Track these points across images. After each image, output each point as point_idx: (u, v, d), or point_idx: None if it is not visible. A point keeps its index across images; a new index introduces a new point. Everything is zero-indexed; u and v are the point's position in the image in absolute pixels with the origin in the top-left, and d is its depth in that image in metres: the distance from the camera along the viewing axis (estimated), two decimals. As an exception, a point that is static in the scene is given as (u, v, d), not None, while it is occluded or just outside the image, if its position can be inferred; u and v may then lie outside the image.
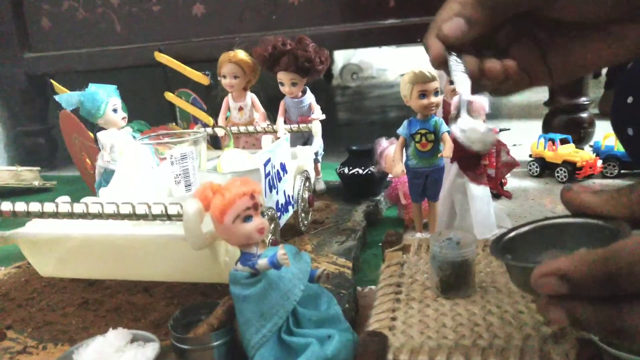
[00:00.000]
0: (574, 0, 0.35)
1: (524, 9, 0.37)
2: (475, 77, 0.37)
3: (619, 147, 1.00)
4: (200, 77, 0.94)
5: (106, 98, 0.75)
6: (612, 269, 0.26)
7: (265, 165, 0.62)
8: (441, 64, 0.37)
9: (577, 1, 0.35)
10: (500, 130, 0.91)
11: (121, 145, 0.75)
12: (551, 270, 0.28)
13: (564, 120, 1.18)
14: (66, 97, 0.75)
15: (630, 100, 0.64)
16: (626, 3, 0.35)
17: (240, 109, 0.92)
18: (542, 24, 0.39)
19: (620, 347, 0.39)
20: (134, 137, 0.77)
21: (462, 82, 0.37)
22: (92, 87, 0.75)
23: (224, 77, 0.89)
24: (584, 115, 1.18)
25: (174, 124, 1.04)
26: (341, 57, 3.20)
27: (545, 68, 0.40)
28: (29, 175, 1.24)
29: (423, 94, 0.65)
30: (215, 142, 0.94)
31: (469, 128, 0.37)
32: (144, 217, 0.49)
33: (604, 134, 1.05)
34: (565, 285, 0.28)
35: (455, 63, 0.37)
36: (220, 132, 0.86)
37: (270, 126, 0.87)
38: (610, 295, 0.27)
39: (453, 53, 0.37)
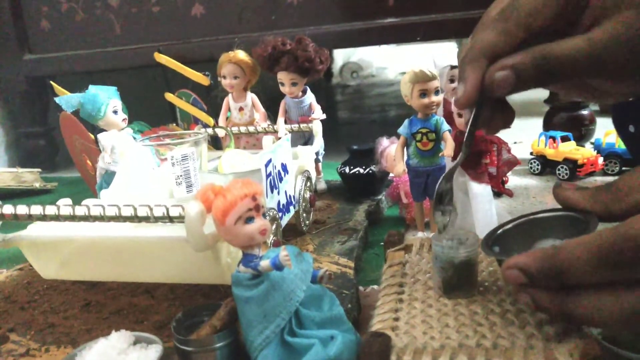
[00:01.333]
0: (617, 86, 0.36)
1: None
2: (480, 130, 0.40)
3: (620, 144, 0.99)
4: (200, 78, 0.93)
5: (106, 100, 0.74)
6: (555, 265, 0.31)
7: (266, 165, 0.62)
8: (471, 104, 0.37)
9: (620, 86, 0.36)
10: None
11: (122, 147, 0.75)
12: (512, 264, 0.33)
13: (564, 118, 1.18)
14: (66, 99, 0.75)
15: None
16: None
17: (241, 109, 0.92)
18: None
19: (625, 346, 0.39)
20: (135, 138, 0.76)
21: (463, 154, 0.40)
22: (92, 89, 0.74)
23: (224, 77, 0.89)
24: (585, 112, 1.18)
25: (175, 124, 1.04)
26: (341, 56, 3.19)
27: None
28: (30, 177, 1.24)
29: (423, 93, 0.65)
30: (216, 143, 0.94)
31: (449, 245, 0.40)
32: (145, 219, 0.49)
33: (605, 131, 1.05)
34: (524, 276, 0.33)
35: (472, 122, 0.38)
36: (220, 132, 0.86)
37: (270, 126, 0.87)
38: (560, 285, 0.32)
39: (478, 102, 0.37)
